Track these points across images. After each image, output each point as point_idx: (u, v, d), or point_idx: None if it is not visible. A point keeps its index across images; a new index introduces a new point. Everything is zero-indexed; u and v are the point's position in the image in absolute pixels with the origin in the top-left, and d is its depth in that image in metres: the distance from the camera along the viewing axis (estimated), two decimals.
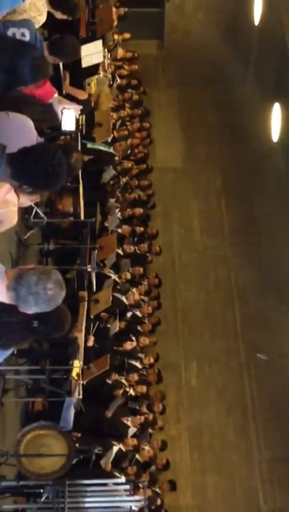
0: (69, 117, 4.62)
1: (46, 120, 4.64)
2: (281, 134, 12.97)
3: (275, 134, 13.01)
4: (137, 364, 10.85)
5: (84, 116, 9.96)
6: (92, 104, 10.18)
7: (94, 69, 10.23)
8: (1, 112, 4.61)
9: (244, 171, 14.36)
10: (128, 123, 13.84)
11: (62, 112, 4.67)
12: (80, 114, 7.37)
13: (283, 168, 14.40)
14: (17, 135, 4.43)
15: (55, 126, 5.03)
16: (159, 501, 9.35)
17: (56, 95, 4.76)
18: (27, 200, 4.53)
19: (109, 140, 11.57)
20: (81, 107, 4.84)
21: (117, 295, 10.91)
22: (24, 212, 9.91)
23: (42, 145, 4.03)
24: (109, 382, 9.94)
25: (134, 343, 10.51)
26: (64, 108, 4.66)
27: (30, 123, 4.63)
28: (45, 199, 4.60)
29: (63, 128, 4.66)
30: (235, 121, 14.86)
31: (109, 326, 10.29)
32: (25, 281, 3.41)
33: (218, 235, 13.70)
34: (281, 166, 14.43)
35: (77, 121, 9.25)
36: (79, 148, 9.52)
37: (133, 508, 7.86)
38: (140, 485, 8.33)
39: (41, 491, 7.70)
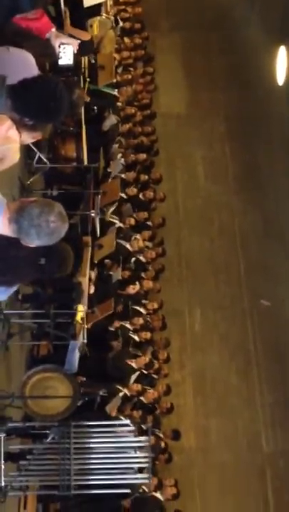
0: (66, 52, 4.51)
1: (46, 55, 4.55)
2: (286, 78, 12.78)
3: (281, 77, 12.82)
4: (141, 309, 10.89)
5: (86, 59, 9.80)
6: (95, 47, 9.99)
7: (96, 10, 10.01)
8: (2, 47, 4.52)
9: (249, 116, 14.18)
10: (131, 68, 13.66)
11: (59, 47, 4.57)
12: (81, 55, 7.24)
13: (288, 112, 14.20)
14: (18, 70, 4.34)
15: (55, 61, 4.92)
16: (163, 444, 9.47)
17: (54, 30, 4.65)
18: (29, 138, 4.47)
19: (113, 82, 11.41)
20: (79, 41, 4.72)
21: (121, 241, 10.90)
22: (27, 157, 9.84)
23: (43, 77, 3.96)
24: (112, 329, 9.99)
25: (138, 287, 10.52)
26: (61, 43, 4.56)
27: (32, 58, 4.54)
28: (47, 137, 4.50)
29: (60, 63, 4.56)
30: (239, 65, 14.60)
31: (112, 273, 10.31)
32: (28, 214, 3.38)
33: (222, 181, 13.61)
34: (286, 111, 14.23)
35: (80, 63, 9.13)
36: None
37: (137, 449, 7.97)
38: (144, 427, 8.44)
39: (47, 432, 7.81)
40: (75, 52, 4.58)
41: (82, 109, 9.70)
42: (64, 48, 4.50)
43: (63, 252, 4.16)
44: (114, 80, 11.62)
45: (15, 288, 4.46)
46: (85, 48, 5.19)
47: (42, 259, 3.81)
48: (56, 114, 3.82)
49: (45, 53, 4.53)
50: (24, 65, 4.46)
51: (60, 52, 4.53)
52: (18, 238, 3.56)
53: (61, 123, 9.79)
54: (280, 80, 12.85)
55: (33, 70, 4.40)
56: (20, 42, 4.51)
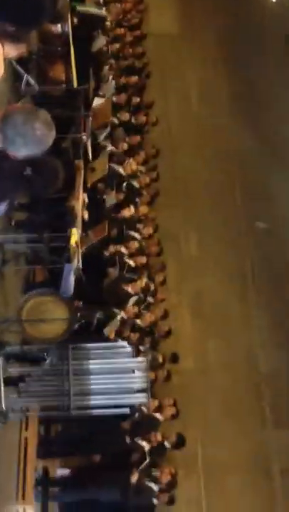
0: None
1: None
2: None
3: None
4: (136, 235, 10.82)
5: None
6: None
7: None
8: None
9: (242, 35, 13.82)
10: None
11: None
12: None
13: (282, 30, 13.84)
14: None
15: None
16: (160, 358, 9.54)
17: None
18: (13, 50, 4.30)
19: (101, 1, 11.06)
20: None
21: (114, 165, 10.74)
22: (14, 80, 9.58)
23: None
24: (107, 254, 9.95)
25: (132, 210, 10.43)
26: None
27: None
28: (33, 51, 4.30)
29: None
30: None
31: (105, 197, 10.20)
32: (12, 121, 3.27)
33: (216, 102, 13.36)
34: (280, 28, 13.87)
35: None
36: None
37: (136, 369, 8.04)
38: (142, 348, 8.50)
39: (45, 355, 7.86)
40: None
41: (69, 28, 9.43)
42: None
43: (51, 166, 4.06)
44: None
45: (3, 207, 4.36)
46: None
47: (28, 168, 3.69)
48: (39, 16, 3.64)
49: None
50: None
51: None
52: (4, 150, 3.45)
53: (48, 43, 9.54)
54: None
55: None
56: None
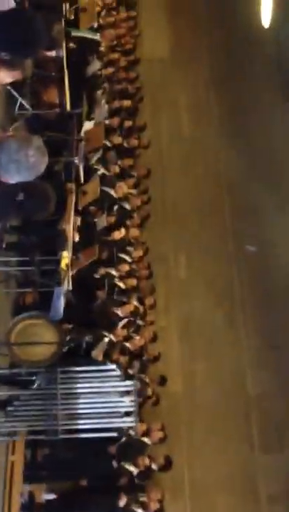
0: None
1: None
2: (272, 21, 12.51)
3: (266, 20, 12.54)
4: (126, 257, 10.88)
5: (68, 3, 9.57)
6: None
7: None
8: None
9: (234, 59, 13.95)
10: (114, 12, 13.40)
11: None
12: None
13: (273, 55, 14.01)
14: None
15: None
16: (150, 390, 9.54)
17: None
18: (8, 76, 4.36)
19: (95, 26, 11.19)
20: None
21: (106, 188, 10.82)
22: (8, 103, 9.66)
23: (19, 9, 3.84)
24: (98, 276, 9.98)
25: (123, 233, 10.49)
26: None
27: None
28: (27, 77, 4.35)
29: None
30: (224, 6, 14.30)
31: (96, 220, 10.26)
32: (6, 149, 3.33)
33: (207, 126, 13.44)
34: (272, 54, 14.04)
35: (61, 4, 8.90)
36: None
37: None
38: (130, 371, 8.50)
39: (34, 378, 7.86)
40: None
41: (64, 52, 9.53)
42: None
43: (43, 190, 4.11)
44: (96, 24, 11.38)
45: None
46: None
47: (20, 194, 3.74)
48: (33, 47, 3.71)
49: None
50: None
51: None
52: None
53: (42, 67, 9.64)
54: (266, 23, 12.57)
55: (9, 3, 4.27)
56: None
